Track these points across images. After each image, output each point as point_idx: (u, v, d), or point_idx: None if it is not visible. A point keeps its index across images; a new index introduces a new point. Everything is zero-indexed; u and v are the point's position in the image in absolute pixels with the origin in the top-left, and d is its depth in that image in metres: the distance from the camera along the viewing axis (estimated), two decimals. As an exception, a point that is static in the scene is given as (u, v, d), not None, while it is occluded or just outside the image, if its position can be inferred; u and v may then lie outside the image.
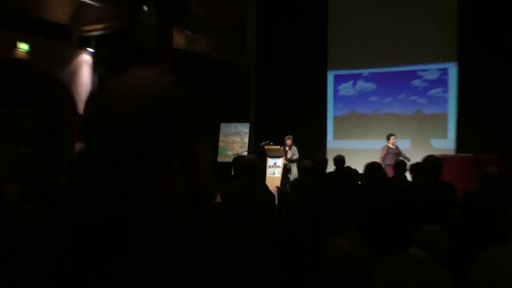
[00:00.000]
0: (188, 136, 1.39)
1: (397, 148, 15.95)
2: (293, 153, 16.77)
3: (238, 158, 9.85)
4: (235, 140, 19.76)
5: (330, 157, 12.87)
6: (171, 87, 1.38)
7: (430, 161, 8.74)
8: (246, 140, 19.53)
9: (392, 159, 13.43)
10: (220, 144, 19.83)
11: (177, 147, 1.36)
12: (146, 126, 1.30)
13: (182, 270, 1.26)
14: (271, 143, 17.29)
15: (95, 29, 17.39)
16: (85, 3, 16.81)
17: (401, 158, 14.45)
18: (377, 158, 9.02)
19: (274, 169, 16.75)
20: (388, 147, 15.98)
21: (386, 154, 15.50)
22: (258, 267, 1.37)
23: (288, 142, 16.94)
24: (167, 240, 1.30)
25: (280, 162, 16.79)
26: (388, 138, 16.12)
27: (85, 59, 16.31)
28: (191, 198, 1.45)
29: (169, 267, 1.26)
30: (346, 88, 20.48)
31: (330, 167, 11.91)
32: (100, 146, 1.34)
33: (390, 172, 11.76)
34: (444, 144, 17.86)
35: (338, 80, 20.64)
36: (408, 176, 10.59)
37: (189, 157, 1.38)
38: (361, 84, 20.23)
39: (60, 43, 15.68)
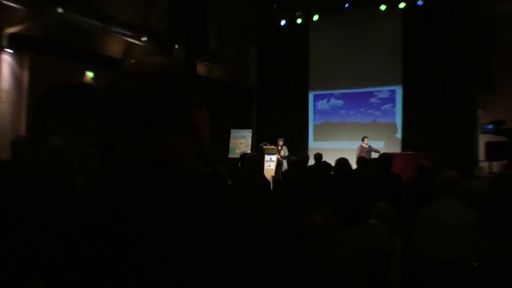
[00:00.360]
0: (187, 102, 1.32)
1: (370, 147, 15.92)
2: (284, 151, 16.77)
3: (243, 155, 9.78)
4: (241, 142, 19.65)
5: (311, 154, 12.96)
6: (173, 66, 1.34)
7: (384, 157, 8.97)
8: (249, 142, 19.44)
9: (366, 156, 13.48)
10: (231, 144, 19.72)
11: (178, 111, 1.30)
12: (154, 95, 1.26)
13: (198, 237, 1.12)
14: (268, 144, 17.27)
15: (141, 61, 17.61)
16: (133, 43, 17.00)
17: (373, 152, 14.62)
18: (345, 155, 9.06)
19: (270, 163, 16.81)
20: (362, 146, 15.97)
21: (360, 152, 15.54)
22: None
23: (280, 143, 16.95)
24: (181, 208, 1.17)
25: (274, 158, 16.83)
26: (362, 140, 16.15)
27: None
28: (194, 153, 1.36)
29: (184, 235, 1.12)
30: (322, 104, 20.44)
31: (311, 162, 11.99)
32: (117, 115, 1.29)
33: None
34: (393, 145, 17.86)
35: (316, 98, 20.60)
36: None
37: (188, 119, 1.31)
38: (333, 101, 20.19)
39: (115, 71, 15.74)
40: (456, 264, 4.27)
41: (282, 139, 17.12)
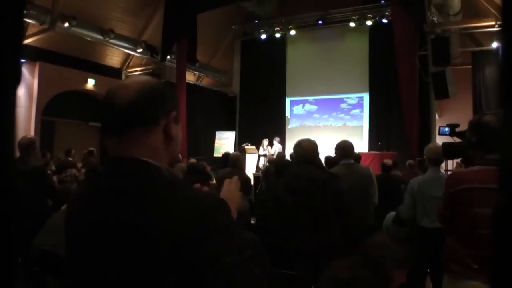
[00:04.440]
0: (167, 115, 1.38)
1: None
2: (269, 150, 16.91)
3: (226, 154, 9.80)
4: (225, 142, 19.57)
5: (287, 153, 13.12)
6: (158, 84, 1.41)
7: (354, 156, 9.37)
8: (233, 142, 19.55)
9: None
10: (216, 145, 19.67)
11: (160, 115, 1.36)
12: (139, 105, 1.32)
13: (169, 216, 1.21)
14: (249, 144, 17.49)
15: (137, 70, 17.86)
16: (130, 54, 17.37)
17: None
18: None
19: (251, 162, 17.00)
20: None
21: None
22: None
23: (265, 143, 17.21)
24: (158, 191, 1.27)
25: (255, 157, 17.10)
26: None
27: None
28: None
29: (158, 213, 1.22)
30: (298, 109, 20.50)
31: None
32: (110, 119, 1.36)
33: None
34: (361, 145, 17.63)
35: (292, 103, 20.63)
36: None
37: (167, 129, 1.38)
38: (307, 106, 20.24)
39: (114, 79, 15.87)
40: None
41: (267, 139, 17.45)
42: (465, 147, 3.40)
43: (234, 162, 7.81)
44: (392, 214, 5.97)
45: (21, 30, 0.72)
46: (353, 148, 5.97)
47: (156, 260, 1.18)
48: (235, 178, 1.70)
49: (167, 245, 1.17)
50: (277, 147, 17.08)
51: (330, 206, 4.42)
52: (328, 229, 4.37)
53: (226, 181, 1.71)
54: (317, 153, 4.92)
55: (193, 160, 9.32)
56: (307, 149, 4.78)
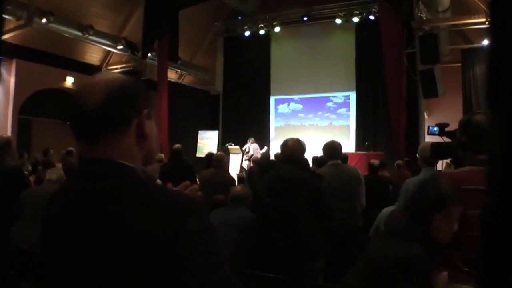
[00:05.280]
0: (138, 112, 1.37)
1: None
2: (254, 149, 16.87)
3: (210, 154, 9.66)
4: (208, 142, 19.61)
5: (272, 153, 13.10)
6: (127, 81, 1.39)
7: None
8: (216, 142, 19.60)
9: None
10: (198, 144, 19.70)
11: (131, 116, 1.35)
12: (110, 106, 1.31)
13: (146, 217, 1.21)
14: (232, 144, 17.61)
15: (117, 68, 17.77)
16: (110, 51, 17.29)
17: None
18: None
19: (235, 162, 17.17)
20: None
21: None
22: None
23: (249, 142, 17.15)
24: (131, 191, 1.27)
25: (239, 157, 17.16)
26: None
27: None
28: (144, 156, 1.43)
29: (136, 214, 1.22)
30: (283, 108, 20.62)
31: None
32: (79, 120, 1.35)
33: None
34: (348, 145, 17.62)
35: (277, 102, 20.75)
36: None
37: (140, 127, 1.38)
38: (292, 105, 20.37)
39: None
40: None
41: (252, 139, 17.42)
42: (455, 147, 3.36)
43: (218, 162, 7.73)
44: (388, 209, 5.88)
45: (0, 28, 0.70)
46: (341, 149, 6.00)
47: (129, 262, 1.19)
48: (195, 186, 1.66)
49: (141, 247, 1.18)
50: (252, 146, 17.07)
51: (307, 207, 4.38)
52: (305, 230, 4.36)
53: (182, 186, 1.65)
54: (301, 153, 4.94)
55: (177, 145, 9.19)
56: (290, 148, 4.78)
